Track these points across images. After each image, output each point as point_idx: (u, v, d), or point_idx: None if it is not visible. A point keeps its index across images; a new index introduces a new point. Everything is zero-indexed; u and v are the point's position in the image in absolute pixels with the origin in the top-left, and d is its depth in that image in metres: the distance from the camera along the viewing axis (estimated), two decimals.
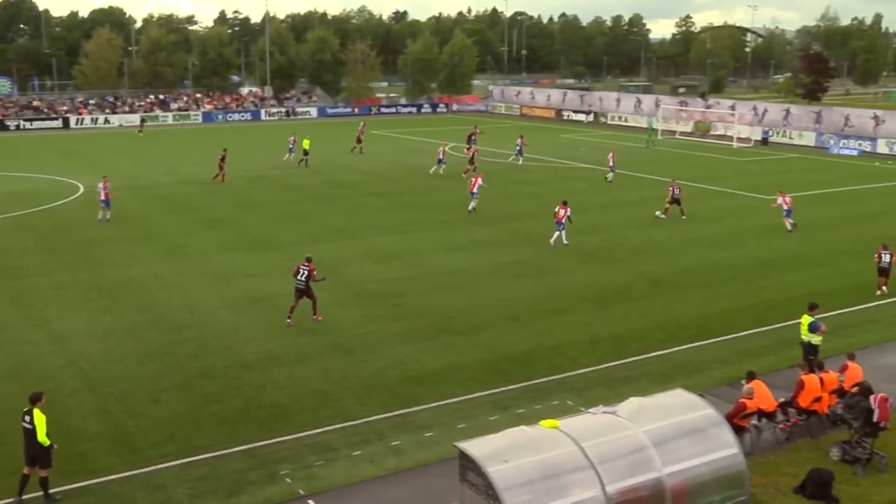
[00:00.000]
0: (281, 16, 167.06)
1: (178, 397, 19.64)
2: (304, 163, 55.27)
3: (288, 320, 24.37)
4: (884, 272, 28.63)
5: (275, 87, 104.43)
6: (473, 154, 53.67)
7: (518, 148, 57.65)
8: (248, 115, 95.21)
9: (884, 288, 28.52)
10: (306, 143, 56.11)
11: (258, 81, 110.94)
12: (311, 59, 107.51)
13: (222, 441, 17.51)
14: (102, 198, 38.24)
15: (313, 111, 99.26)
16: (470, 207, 40.54)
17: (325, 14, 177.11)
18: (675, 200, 40.00)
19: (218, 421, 18.47)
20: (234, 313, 25.58)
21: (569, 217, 34.12)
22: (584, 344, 23.28)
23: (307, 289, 24.35)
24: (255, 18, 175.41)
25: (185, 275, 29.82)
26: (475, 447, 12.98)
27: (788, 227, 37.65)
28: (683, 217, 39.43)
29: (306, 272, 24.24)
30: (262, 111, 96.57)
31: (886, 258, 28.64)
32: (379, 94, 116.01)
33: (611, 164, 50.75)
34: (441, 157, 52.79)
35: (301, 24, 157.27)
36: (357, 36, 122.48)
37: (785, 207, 37.87)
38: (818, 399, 17.93)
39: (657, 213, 40.33)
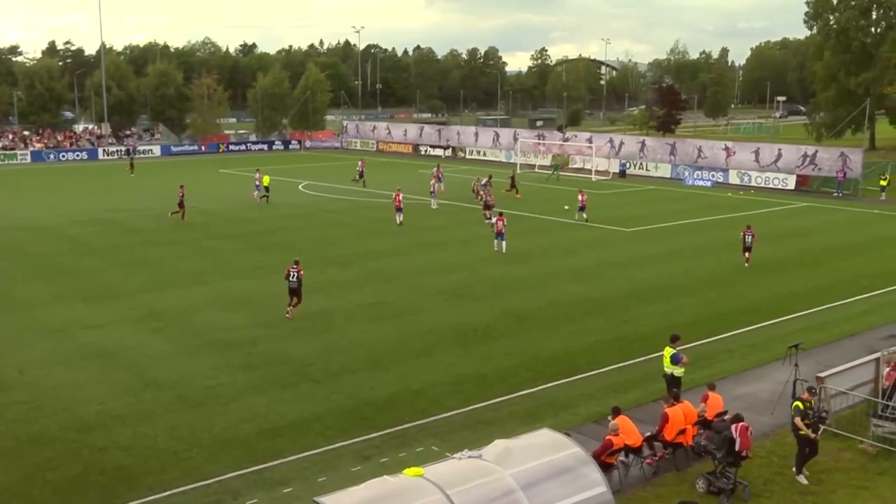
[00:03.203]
0: (118, 47, 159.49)
1: (5, 466, 17.93)
2: (266, 199, 55.16)
3: (288, 314, 28.40)
4: (747, 249, 36.48)
5: (113, 123, 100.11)
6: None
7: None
8: (84, 154, 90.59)
9: (746, 265, 36.21)
10: (266, 180, 55.87)
11: (94, 118, 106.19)
12: (153, 94, 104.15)
13: None
14: None
15: (156, 149, 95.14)
16: (398, 221, 46.56)
17: (166, 46, 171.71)
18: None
19: (53, 490, 16.96)
20: (71, 370, 23.72)
21: (504, 225, 39.26)
22: (449, 386, 22.71)
23: (298, 288, 28.23)
24: (90, 50, 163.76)
25: (13, 329, 27.54)
26: (335, 501, 12.42)
27: (584, 217, 47.34)
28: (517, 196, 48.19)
29: (296, 273, 28.12)
30: (100, 150, 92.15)
31: (749, 238, 36.53)
32: (227, 131, 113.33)
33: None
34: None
35: (141, 57, 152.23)
36: (202, 69, 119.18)
37: (579, 204, 47.65)
38: (682, 431, 17.97)
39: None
